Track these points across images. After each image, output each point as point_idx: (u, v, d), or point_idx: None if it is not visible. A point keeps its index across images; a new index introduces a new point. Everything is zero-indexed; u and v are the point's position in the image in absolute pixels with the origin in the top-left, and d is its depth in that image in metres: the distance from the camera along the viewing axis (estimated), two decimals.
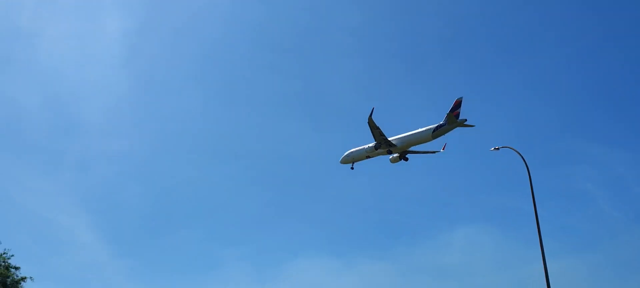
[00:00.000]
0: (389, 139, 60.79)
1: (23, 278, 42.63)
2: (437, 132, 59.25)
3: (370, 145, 63.50)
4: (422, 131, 60.67)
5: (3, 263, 41.08)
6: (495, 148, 35.73)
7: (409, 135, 61.43)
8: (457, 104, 57.89)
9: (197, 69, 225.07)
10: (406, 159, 64.55)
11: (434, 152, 63.78)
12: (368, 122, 58.31)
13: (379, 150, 62.78)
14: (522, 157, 33.86)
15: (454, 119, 57.95)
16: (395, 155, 63.71)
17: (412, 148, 62.85)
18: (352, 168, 66.81)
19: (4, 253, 41.55)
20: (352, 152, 65.79)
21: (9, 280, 40.97)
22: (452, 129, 58.66)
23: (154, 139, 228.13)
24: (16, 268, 42.70)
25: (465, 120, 57.87)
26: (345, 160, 67.44)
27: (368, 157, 64.87)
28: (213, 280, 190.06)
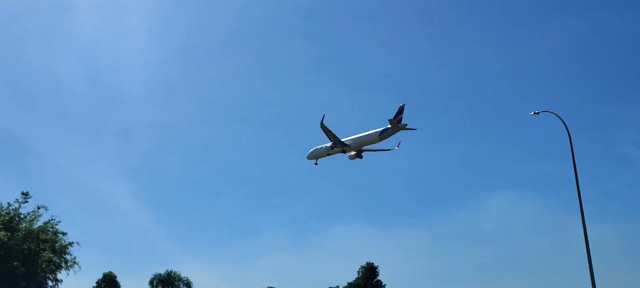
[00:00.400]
0: (343, 140, 66.56)
1: (70, 243, 44.37)
2: (383, 134, 64.77)
3: (328, 144, 68.65)
4: (371, 133, 66.46)
5: (51, 229, 42.72)
6: (535, 113, 34.88)
7: (360, 136, 67.25)
8: (400, 110, 63.49)
9: (232, 38, 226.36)
10: (361, 157, 69.84)
11: (388, 150, 69.86)
12: (321, 127, 63.50)
13: (335, 149, 68.29)
14: (563, 121, 33.05)
15: (395, 124, 63.08)
16: (351, 153, 69.19)
17: (366, 147, 68.68)
18: (316, 163, 72.11)
19: (52, 219, 43.27)
20: (316, 149, 70.82)
21: (57, 245, 42.67)
22: (396, 132, 64.08)
23: (191, 108, 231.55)
24: (64, 233, 44.46)
25: (406, 124, 63.53)
26: (310, 156, 72.39)
27: (328, 154, 70.02)
28: (251, 245, 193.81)
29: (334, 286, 72.50)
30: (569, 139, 32.11)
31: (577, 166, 30.49)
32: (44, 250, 40.32)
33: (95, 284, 77.95)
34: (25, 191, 41.45)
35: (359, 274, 69.66)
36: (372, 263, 69.56)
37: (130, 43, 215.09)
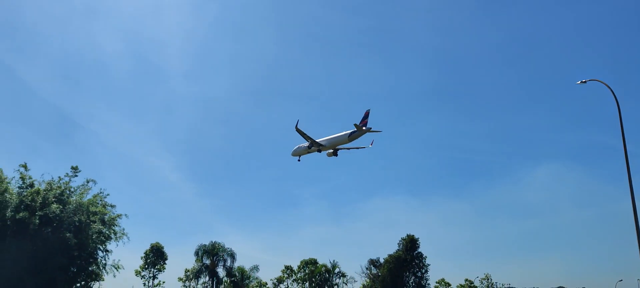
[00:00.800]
0: (318, 140, 73.76)
1: (118, 216, 45.91)
2: (352, 136, 71.26)
3: (306, 144, 75.12)
4: (340, 135, 73.40)
5: (100, 202, 44.27)
6: (582, 82, 33.58)
7: (332, 138, 74.11)
8: (366, 115, 69.89)
9: (274, 11, 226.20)
10: (336, 155, 75.39)
11: (362, 148, 75.88)
12: (296, 130, 69.35)
13: (312, 148, 74.61)
14: (611, 90, 31.78)
15: (361, 128, 69.20)
16: (328, 151, 75.11)
17: (339, 147, 74.61)
18: (299, 160, 78.50)
19: (100, 193, 44.84)
20: (298, 147, 77.11)
21: (106, 217, 44.23)
22: (363, 134, 70.06)
23: (233, 82, 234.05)
24: (112, 206, 46.04)
25: (371, 128, 69.33)
26: (294, 154, 78.42)
27: (308, 152, 76.18)
28: (291, 217, 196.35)
29: (375, 258, 72.93)
30: (617, 108, 30.93)
31: (625, 136, 29.43)
32: (94, 222, 41.92)
33: (143, 254, 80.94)
34: (74, 166, 43.16)
35: (399, 246, 69.67)
36: (413, 235, 69.36)
37: (172, 18, 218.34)
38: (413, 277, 68.11)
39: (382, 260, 70.83)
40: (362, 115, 71.38)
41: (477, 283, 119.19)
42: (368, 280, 72.59)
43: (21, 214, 37.11)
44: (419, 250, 68.75)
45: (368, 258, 74.89)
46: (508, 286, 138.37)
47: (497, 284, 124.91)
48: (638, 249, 24.84)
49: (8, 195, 38.52)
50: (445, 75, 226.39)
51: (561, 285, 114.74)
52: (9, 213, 37.36)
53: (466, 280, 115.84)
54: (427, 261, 68.72)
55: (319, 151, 75.98)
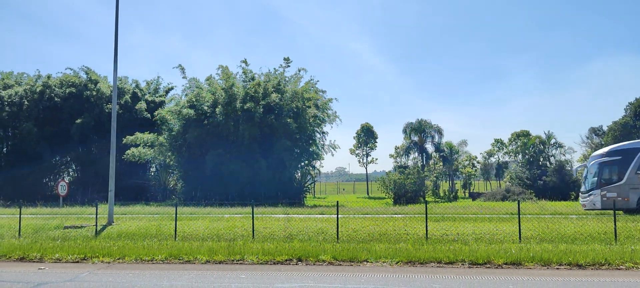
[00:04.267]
0: None
1: (330, 100, 48.86)
2: None
3: None
4: None
5: (312, 89, 47.39)
6: None
7: None
8: None
9: None
10: None
11: None
12: None
13: None
14: None
15: None
16: None
17: None
18: None
19: (311, 80, 47.88)
20: None
21: (319, 102, 47.39)
22: None
23: None
24: (323, 91, 49.06)
25: None
26: None
27: None
28: (499, 90, 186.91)
29: (597, 126, 66.48)
30: None
31: None
32: (309, 107, 45.28)
33: (355, 134, 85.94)
34: (286, 57, 46.53)
35: (626, 112, 62.03)
36: None
37: None
38: None
39: (605, 128, 64.14)
40: None
41: None
42: (589, 149, 66.81)
43: (248, 105, 41.64)
44: None
45: (588, 127, 68.77)
46: None
47: None
48: None
49: (236, 89, 43.44)
50: None
51: None
52: (238, 104, 42.30)
53: None
54: None
55: None
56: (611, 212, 19.04)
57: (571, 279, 9.93)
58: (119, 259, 13.33)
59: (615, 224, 16.11)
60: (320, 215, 23.86)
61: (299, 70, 47.45)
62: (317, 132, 48.41)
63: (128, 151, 44.47)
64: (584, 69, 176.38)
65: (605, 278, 10.00)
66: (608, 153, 25.96)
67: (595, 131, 66.87)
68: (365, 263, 12.25)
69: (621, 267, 11.36)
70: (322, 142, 48.56)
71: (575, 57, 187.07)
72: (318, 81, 50.18)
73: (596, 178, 25.63)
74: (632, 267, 11.31)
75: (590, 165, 26.56)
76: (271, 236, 17.16)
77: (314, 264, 12.32)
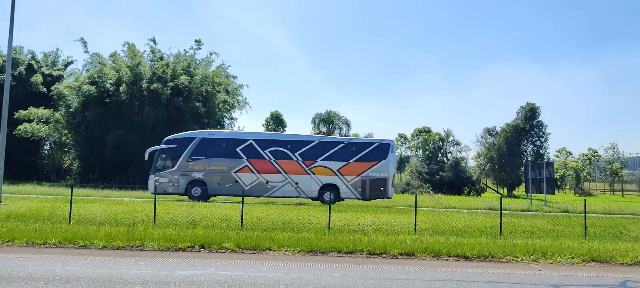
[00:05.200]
0: None
1: (240, 86, 48.52)
2: None
3: None
4: None
5: (223, 73, 46.78)
6: None
7: None
8: None
9: None
10: None
11: None
12: None
13: None
14: None
15: None
16: None
17: None
18: None
19: (222, 64, 47.25)
20: None
21: (229, 87, 46.88)
22: None
23: None
24: (234, 77, 48.62)
25: None
26: None
27: None
28: (406, 86, 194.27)
29: (491, 127, 71.05)
30: None
31: None
32: (219, 92, 44.67)
33: (264, 121, 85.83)
34: (197, 39, 45.48)
35: (518, 115, 66.95)
36: (533, 103, 66.06)
37: None
38: (531, 146, 65.93)
39: (498, 129, 68.80)
40: None
41: (601, 152, 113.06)
42: (483, 148, 71.47)
43: (154, 85, 40.31)
44: (539, 118, 65.71)
45: (483, 127, 73.39)
46: (636, 155, 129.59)
47: (624, 153, 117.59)
48: None
49: (142, 68, 41.86)
50: None
51: None
52: (144, 84, 40.81)
53: (589, 149, 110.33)
54: (548, 130, 65.73)
55: None
56: (498, 209, 20.55)
57: (458, 270, 10.72)
58: (8, 242, 12.54)
59: (501, 219, 17.49)
60: (226, 202, 23.76)
61: (211, 54, 46.69)
62: (227, 117, 47.94)
63: (20, 126, 41.60)
64: (484, 72, 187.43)
65: (489, 270, 10.89)
66: (165, 142, 28.03)
67: (489, 131, 71.37)
68: (268, 251, 12.43)
69: (503, 259, 12.40)
70: (231, 128, 48.14)
71: (477, 60, 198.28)
72: (229, 66, 49.81)
73: (153, 165, 27.61)
74: (513, 260, 12.38)
75: (149, 153, 28.26)
76: (174, 222, 16.87)
77: (217, 252, 12.32)
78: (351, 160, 27.43)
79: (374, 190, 27.42)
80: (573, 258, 12.55)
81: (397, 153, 27.98)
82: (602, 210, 29.37)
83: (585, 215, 17.76)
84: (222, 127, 46.44)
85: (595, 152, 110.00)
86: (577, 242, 15.14)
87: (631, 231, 18.77)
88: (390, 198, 28.06)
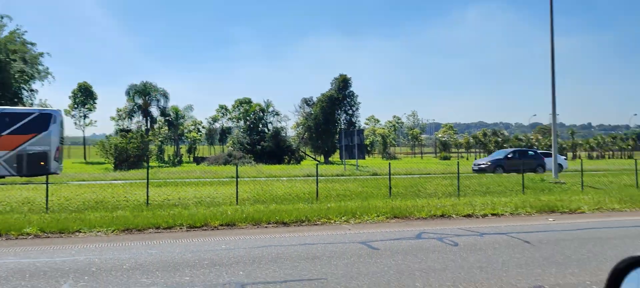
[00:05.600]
0: None
1: (40, 54, 43.59)
2: None
3: None
4: None
5: (19, 40, 41.52)
6: None
7: None
8: None
9: None
10: None
11: None
12: None
13: None
14: None
15: None
16: None
17: None
18: None
19: (17, 29, 41.81)
20: None
21: (27, 55, 41.81)
22: None
23: None
24: (32, 44, 43.35)
25: None
26: None
27: None
28: (226, 57, 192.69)
29: (308, 97, 74.24)
30: None
31: None
32: (15, 60, 39.60)
33: (71, 94, 78.53)
34: None
35: (332, 86, 70.96)
36: (346, 75, 70.61)
37: None
38: (345, 115, 70.61)
39: (315, 99, 72.21)
40: None
41: (404, 119, 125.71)
42: (301, 118, 74.49)
43: None
44: (351, 89, 70.51)
45: (301, 98, 76.42)
46: (432, 121, 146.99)
47: (423, 120, 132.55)
48: (551, 88, 26.67)
49: None
50: None
51: (481, 120, 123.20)
52: None
53: (394, 116, 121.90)
54: (359, 99, 70.91)
55: None
56: (315, 176, 21.70)
57: (276, 236, 11.13)
58: None
59: (317, 185, 18.52)
60: (28, 184, 21.42)
61: (2, 17, 41.00)
62: (25, 89, 42.92)
63: None
64: (301, 44, 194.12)
65: (305, 233, 11.49)
66: None
67: (306, 101, 74.53)
68: (77, 234, 11.54)
69: (318, 222, 13.17)
70: (30, 101, 43.16)
71: (294, 33, 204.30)
72: (26, 32, 44.12)
73: None
74: (327, 222, 13.22)
75: None
76: None
77: (17, 238, 11.09)
78: (4, 133, 24.93)
79: (34, 165, 24.97)
80: (379, 216, 13.84)
81: (60, 123, 26.64)
82: (404, 172, 32.83)
83: (389, 177, 19.65)
84: (20, 99, 41.42)
85: (399, 119, 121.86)
86: (383, 202, 16.69)
87: (427, 189, 21.33)
88: (55, 173, 25.89)
